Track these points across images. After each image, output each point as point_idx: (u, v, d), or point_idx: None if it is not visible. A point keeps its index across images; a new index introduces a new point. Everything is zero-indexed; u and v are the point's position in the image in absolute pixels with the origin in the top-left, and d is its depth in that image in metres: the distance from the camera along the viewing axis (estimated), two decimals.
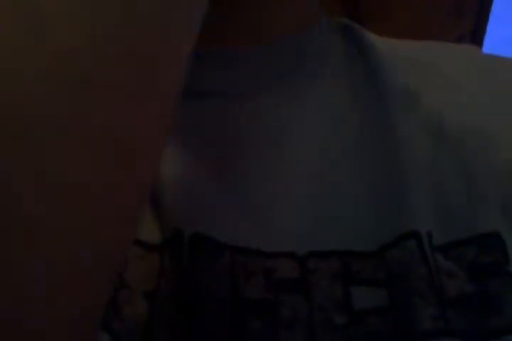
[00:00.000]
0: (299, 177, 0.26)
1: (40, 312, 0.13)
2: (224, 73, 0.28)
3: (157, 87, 0.15)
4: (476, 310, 0.24)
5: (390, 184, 0.26)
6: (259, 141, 0.27)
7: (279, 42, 0.29)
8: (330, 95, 0.29)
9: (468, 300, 0.24)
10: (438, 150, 0.27)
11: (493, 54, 0.33)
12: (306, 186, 0.26)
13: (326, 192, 0.26)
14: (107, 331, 0.22)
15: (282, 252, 0.24)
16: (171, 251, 0.23)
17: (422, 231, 0.25)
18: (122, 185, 0.14)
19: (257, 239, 0.24)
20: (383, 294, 0.24)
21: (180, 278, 0.23)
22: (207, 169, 0.26)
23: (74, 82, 0.12)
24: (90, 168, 0.13)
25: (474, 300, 0.24)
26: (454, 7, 1.11)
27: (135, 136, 0.14)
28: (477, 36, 1.14)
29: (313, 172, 0.27)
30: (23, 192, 0.12)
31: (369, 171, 0.27)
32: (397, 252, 0.24)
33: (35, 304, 0.12)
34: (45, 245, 0.12)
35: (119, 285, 0.23)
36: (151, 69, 0.14)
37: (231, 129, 0.27)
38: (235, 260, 0.24)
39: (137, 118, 0.14)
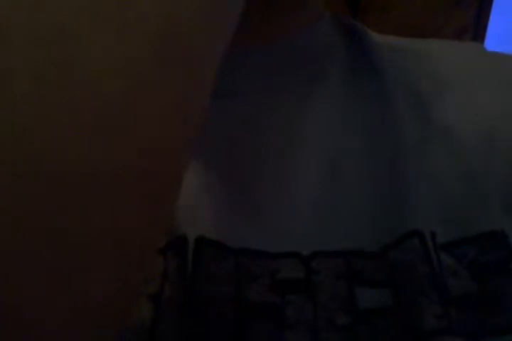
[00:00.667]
0: (302, 178, 0.26)
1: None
2: (233, 73, 0.28)
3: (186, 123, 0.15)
4: (479, 309, 0.24)
5: (392, 184, 0.26)
6: (261, 142, 0.27)
7: (284, 42, 0.29)
8: (334, 95, 0.29)
9: (471, 299, 0.24)
10: (438, 150, 0.27)
11: (496, 51, 0.33)
12: (309, 186, 0.26)
13: (329, 192, 0.26)
14: None
15: (287, 252, 0.24)
16: (175, 255, 0.24)
17: (425, 231, 0.25)
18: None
19: (261, 240, 0.24)
20: (387, 294, 0.24)
21: (184, 282, 0.23)
22: (208, 172, 0.26)
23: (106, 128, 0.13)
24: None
25: (477, 298, 0.24)
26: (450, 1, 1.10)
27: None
28: (479, 27, 1.14)
29: (317, 173, 0.27)
30: None
31: (372, 171, 0.27)
32: (401, 251, 0.25)
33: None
34: None
35: None
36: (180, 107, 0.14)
37: (236, 129, 0.27)
38: (240, 262, 0.24)
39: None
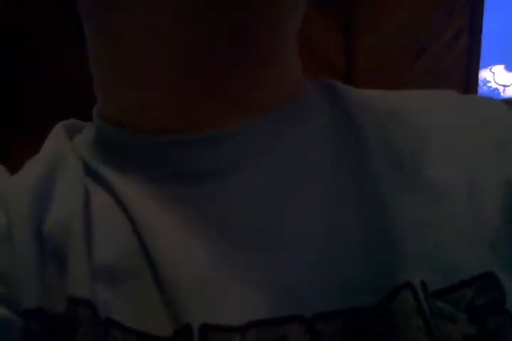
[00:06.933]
0: (297, 242, 0.27)
1: None
2: (218, 152, 0.28)
3: None
4: None
5: (380, 238, 0.27)
6: (255, 215, 0.28)
7: (265, 116, 0.29)
8: (317, 162, 0.29)
9: None
10: (423, 199, 0.28)
11: (469, 96, 0.35)
12: (304, 249, 0.27)
13: (324, 252, 0.27)
14: None
15: (292, 316, 0.25)
16: None
17: (414, 282, 0.25)
18: None
19: (266, 308, 0.25)
20: None
21: None
22: (207, 251, 0.27)
23: None
24: None
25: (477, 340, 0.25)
26: (444, 4, 1.11)
27: None
28: (474, 28, 1.15)
29: (311, 236, 0.27)
30: None
31: (362, 231, 0.28)
32: (396, 305, 0.25)
33: None
34: None
35: None
36: None
37: (230, 207, 0.28)
38: (246, 339, 0.25)
39: None
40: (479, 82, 1.15)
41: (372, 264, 0.26)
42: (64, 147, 0.31)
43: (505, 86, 1.20)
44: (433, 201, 0.28)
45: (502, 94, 1.21)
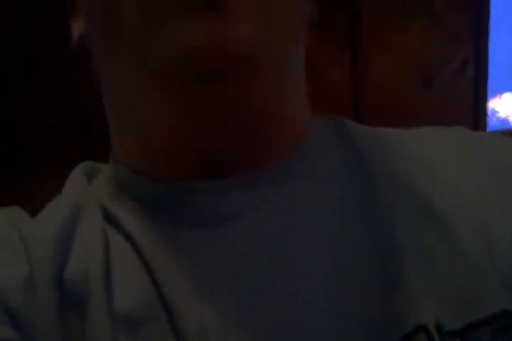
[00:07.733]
0: (308, 287, 0.27)
1: None
2: (224, 200, 0.29)
3: None
4: None
5: (392, 279, 0.27)
6: (262, 259, 0.28)
7: (280, 162, 0.31)
8: (326, 195, 0.30)
9: None
10: (433, 236, 0.28)
11: (479, 133, 0.35)
12: (315, 295, 0.27)
13: (335, 297, 0.27)
14: None
15: None
16: None
17: (429, 324, 0.25)
18: None
19: None
20: None
21: None
22: (223, 301, 0.27)
23: None
24: None
25: None
26: (451, 33, 1.12)
27: None
28: (481, 58, 1.15)
29: (321, 280, 0.27)
30: None
31: (370, 266, 0.27)
32: None
33: None
34: None
35: None
36: None
37: (235, 254, 0.28)
38: None
39: None
40: (488, 112, 1.14)
41: (385, 307, 0.26)
42: (84, 192, 0.32)
43: None
44: (442, 236, 0.28)
45: None
